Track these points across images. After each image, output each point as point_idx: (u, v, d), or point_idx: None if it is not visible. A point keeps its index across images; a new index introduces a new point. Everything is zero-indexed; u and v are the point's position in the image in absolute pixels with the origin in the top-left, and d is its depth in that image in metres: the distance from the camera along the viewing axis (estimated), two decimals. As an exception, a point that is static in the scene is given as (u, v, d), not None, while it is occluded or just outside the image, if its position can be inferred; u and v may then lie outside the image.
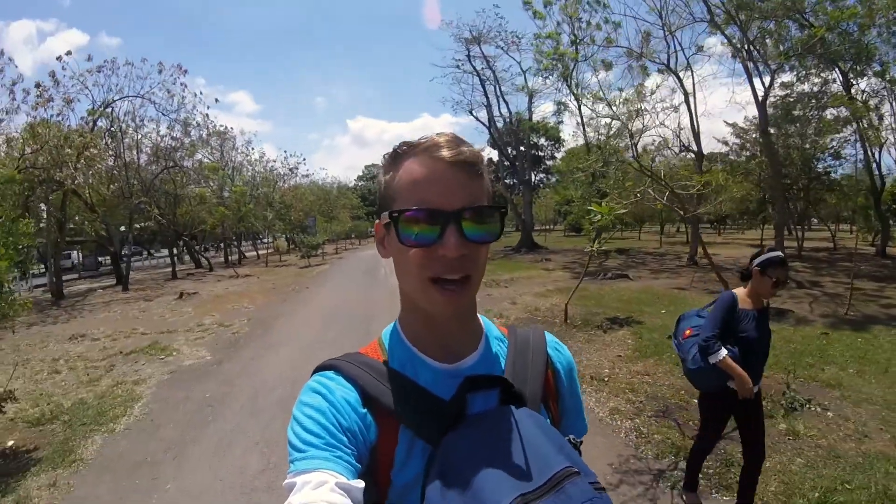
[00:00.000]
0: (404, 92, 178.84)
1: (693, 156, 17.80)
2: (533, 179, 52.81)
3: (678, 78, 17.49)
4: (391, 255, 0.74)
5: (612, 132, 21.40)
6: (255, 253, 34.25)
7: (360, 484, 0.60)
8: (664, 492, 3.17)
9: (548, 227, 53.72)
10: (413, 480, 0.67)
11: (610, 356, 6.10)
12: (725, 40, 15.16)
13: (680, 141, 18.26)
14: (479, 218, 0.67)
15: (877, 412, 4.17)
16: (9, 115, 15.13)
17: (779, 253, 2.64)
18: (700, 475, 3.13)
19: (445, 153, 0.67)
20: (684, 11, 16.02)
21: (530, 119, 27.00)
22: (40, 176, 14.68)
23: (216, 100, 65.52)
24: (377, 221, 0.75)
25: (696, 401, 4.58)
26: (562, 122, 24.34)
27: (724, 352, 2.53)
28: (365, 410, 0.69)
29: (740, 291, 2.73)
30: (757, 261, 2.66)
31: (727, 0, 14.13)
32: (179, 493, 3.37)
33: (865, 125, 16.82)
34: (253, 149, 34.08)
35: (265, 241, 39.74)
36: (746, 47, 14.05)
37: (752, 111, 18.06)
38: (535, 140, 46.52)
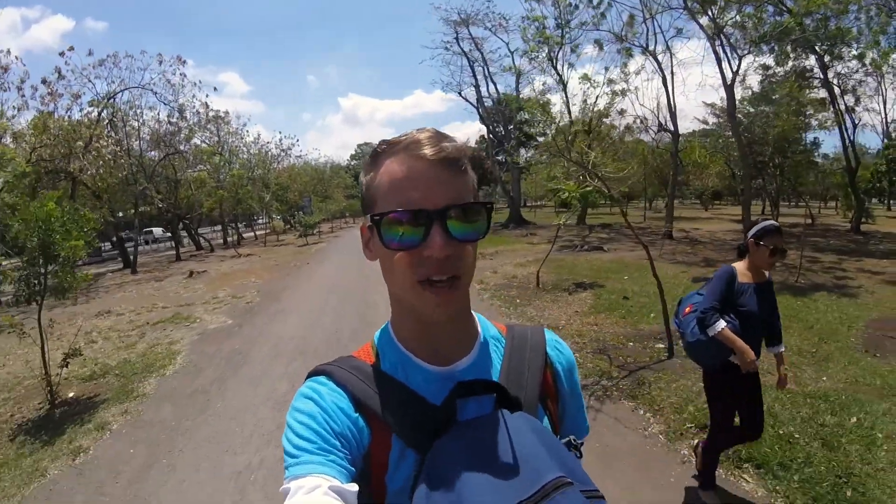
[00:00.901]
0: (397, 68, 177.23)
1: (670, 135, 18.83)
2: (524, 155, 53.67)
3: (657, 61, 18.41)
4: (377, 258, 0.73)
5: (593, 110, 22.43)
6: (252, 234, 35.19)
7: (354, 487, 0.60)
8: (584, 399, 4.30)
9: (539, 203, 54.66)
10: (404, 485, 0.66)
11: (569, 312, 7.27)
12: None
13: (658, 121, 19.31)
14: (465, 216, 0.66)
15: (787, 357, 5.31)
16: (20, 111, 15.83)
17: (772, 221, 2.65)
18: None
19: (427, 151, 0.65)
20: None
21: (518, 98, 27.76)
22: (47, 167, 15.52)
23: (214, 88, 65.89)
24: (362, 224, 0.74)
25: (631, 343, 5.72)
26: (548, 101, 25.12)
27: (722, 323, 2.50)
28: (357, 415, 0.69)
29: (739, 265, 2.71)
30: (751, 231, 2.65)
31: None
32: (226, 409, 4.51)
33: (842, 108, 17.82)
34: (248, 131, 34.80)
35: (260, 221, 40.63)
36: (717, 34, 14.95)
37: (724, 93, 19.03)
38: (526, 117, 47.37)
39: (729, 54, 15.12)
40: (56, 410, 4.84)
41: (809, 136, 25.50)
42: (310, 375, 0.75)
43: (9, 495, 3.45)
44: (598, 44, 19.56)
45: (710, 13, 14.50)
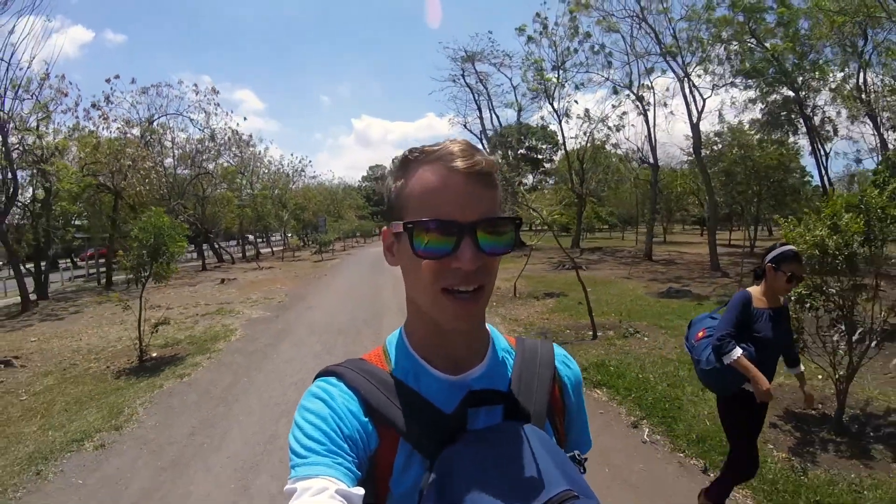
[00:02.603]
0: (409, 91, 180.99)
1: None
2: (531, 181, 55.90)
3: (639, 99, 20.65)
4: (400, 263, 0.73)
5: (587, 144, 24.63)
6: (269, 249, 37.51)
7: (360, 491, 0.61)
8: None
9: (544, 226, 56.82)
10: (409, 491, 0.68)
11: (531, 312, 9.30)
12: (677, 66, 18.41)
13: (640, 154, 21.46)
14: (495, 229, 0.67)
15: (667, 340, 7.27)
16: (77, 132, 18.29)
17: (791, 247, 2.62)
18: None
19: (460, 163, 0.66)
20: (647, 42, 19.26)
21: (520, 127, 30.17)
22: (96, 181, 17.91)
23: (244, 118, 69.66)
24: (384, 227, 0.75)
25: (568, 331, 7.68)
26: (553, 131, 27.56)
27: (738, 351, 2.47)
28: (366, 419, 0.70)
29: (755, 290, 2.69)
30: (769, 256, 2.62)
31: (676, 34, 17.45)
32: (280, 358, 6.58)
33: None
34: (267, 150, 37.53)
35: (275, 238, 43.04)
36: (685, 78, 17.19)
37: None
38: (534, 143, 49.95)
39: (696, 96, 17.30)
40: (145, 364, 6.84)
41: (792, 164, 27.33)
42: (320, 375, 0.77)
43: (139, 395, 5.44)
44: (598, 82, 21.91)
45: (678, 61, 16.73)
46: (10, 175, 14.70)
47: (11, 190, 14.76)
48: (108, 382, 6.20)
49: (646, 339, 7.13)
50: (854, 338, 3.84)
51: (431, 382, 0.75)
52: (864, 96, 17.99)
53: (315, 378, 0.77)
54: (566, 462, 0.66)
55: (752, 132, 21.97)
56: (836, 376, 3.95)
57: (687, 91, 16.92)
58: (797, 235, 3.78)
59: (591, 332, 7.33)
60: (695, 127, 16.65)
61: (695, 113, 16.76)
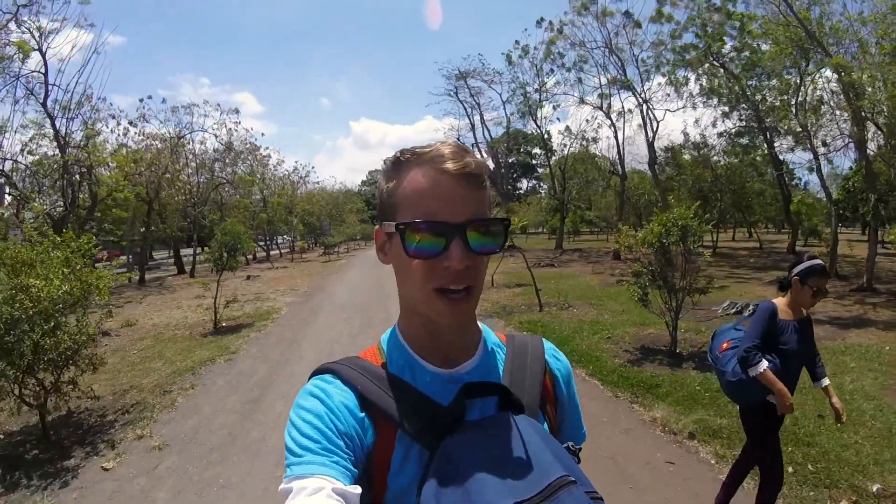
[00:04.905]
0: (408, 94, 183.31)
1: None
2: (525, 186, 59.71)
3: (608, 116, 23.66)
4: (392, 262, 0.76)
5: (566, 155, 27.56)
6: (277, 251, 40.35)
7: (357, 489, 0.61)
8: (488, 322, 9.17)
9: (535, 230, 59.82)
10: (409, 485, 0.69)
11: (500, 296, 12.20)
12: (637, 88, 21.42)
13: (610, 166, 24.41)
14: (484, 229, 0.70)
15: (590, 311, 10.13)
16: (122, 146, 21.17)
17: (819, 261, 2.61)
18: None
19: (450, 165, 0.68)
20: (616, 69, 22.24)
21: (508, 146, 33.14)
22: (142, 192, 20.78)
23: (262, 133, 72.99)
24: (377, 227, 0.77)
25: (523, 306, 10.52)
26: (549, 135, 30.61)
27: (764, 363, 2.49)
28: (363, 415, 0.71)
29: (780, 302, 2.70)
30: (796, 270, 2.61)
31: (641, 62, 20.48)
32: (319, 324, 9.47)
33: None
34: (273, 157, 40.50)
35: (281, 241, 45.89)
36: (644, 102, 20.19)
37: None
38: (529, 149, 53.37)
39: (652, 117, 20.32)
40: (220, 330, 9.66)
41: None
42: (315, 373, 0.78)
43: (236, 340, 8.27)
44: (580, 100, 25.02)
45: (636, 88, 19.74)
46: (67, 186, 17.51)
47: (71, 198, 17.60)
48: (197, 340, 8.97)
49: (575, 311, 10.03)
50: (673, 302, 6.66)
51: (426, 377, 0.77)
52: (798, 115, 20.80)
53: (310, 376, 0.78)
54: (562, 451, 0.68)
55: (720, 143, 24.49)
56: (667, 320, 6.79)
57: (645, 113, 19.87)
58: (646, 233, 6.64)
59: (538, 307, 10.21)
60: (650, 145, 19.60)
61: (650, 133, 19.70)
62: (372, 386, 0.74)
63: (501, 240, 0.73)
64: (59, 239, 5.19)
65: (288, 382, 6.09)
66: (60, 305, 4.47)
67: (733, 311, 9.54)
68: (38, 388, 4.63)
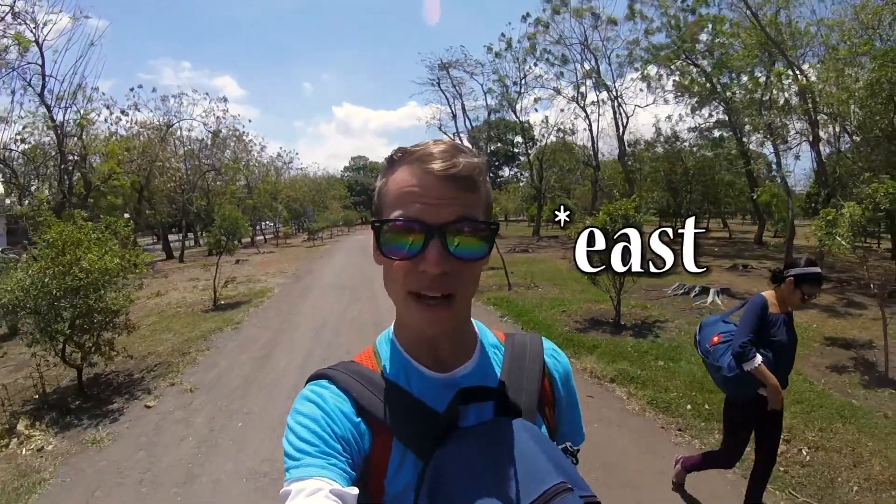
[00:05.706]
0: (392, 79, 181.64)
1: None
2: (507, 174, 61.08)
3: (584, 109, 24.88)
4: (380, 262, 0.74)
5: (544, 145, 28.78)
6: (261, 237, 40.97)
7: (355, 491, 0.62)
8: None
9: (516, 218, 61.22)
10: (404, 490, 0.69)
11: (476, 277, 13.36)
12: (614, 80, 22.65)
13: (587, 157, 25.66)
14: (467, 233, 0.66)
15: (552, 290, 11.37)
16: (114, 136, 21.77)
17: (817, 269, 2.63)
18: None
19: (436, 165, 0.66)
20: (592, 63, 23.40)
21: (489, 135, 34.18)
22: (137, 179, 21.47)
23: (249, 120, 72.76)
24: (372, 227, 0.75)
25: (495, 286, 11.71)
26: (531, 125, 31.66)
27: (759, 358, 2.54)
28: (359, 420, 0.71)
29: (769, 295, 2.74)
30: (792, 272, 2.64)
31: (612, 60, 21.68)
32: (311, 303, 10.55)
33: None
34: (258, 144, 41.13)
35: (264, 226, 46.45)
36: (615, 98, 21.44)
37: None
38: (511, 137, 54.53)
39: (623, 113, 21.61)
40: (219, 307, 10.66)
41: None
42: (311, 379, 0.78)
43: (238, 313, 9.32)
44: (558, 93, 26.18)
45: (608, 85, 20.98)
46: (63, 173, 18.17)
47: (67, 185, 18.26)
48: (200, 316, 9.97)
49: (540, 290, 11.29)
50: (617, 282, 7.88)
51: (422, 381, 0.76)
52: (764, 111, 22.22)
53: (306, 382, 0.77)
54: (559, 455, 0.67)
55: (691, 139, 25.85)
56: (611, 295, 8.03)
57: (616, 108, 21.12)
58: (594, 221, 7.85)
59: (507, 287, 11.43)
60: (620, 139, 20.91)
61: (621, 128, 20.98)
62: (366, 392, 0.74)
63: (488, 245, 0.70)
64: (90, 224, 6.20)
65: (290, 344, 7.23)
66: (108, 277, 5.50)
67: (681, 292, 10.82)
68: (77, 350, 5.55)
